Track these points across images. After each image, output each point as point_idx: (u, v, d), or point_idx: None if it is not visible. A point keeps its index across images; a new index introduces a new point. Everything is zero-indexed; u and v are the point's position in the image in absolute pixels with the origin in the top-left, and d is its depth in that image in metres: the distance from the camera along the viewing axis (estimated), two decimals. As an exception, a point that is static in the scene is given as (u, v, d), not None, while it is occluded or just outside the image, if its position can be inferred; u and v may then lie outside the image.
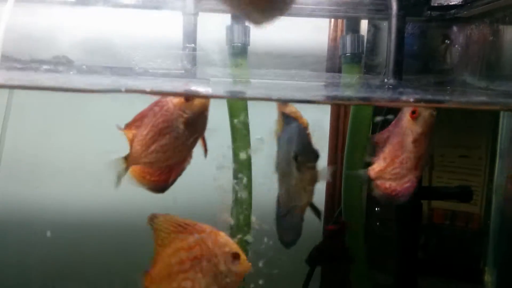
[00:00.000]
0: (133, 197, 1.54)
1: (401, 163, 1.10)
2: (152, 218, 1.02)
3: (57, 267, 1.65)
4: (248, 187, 1.35)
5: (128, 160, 1.05)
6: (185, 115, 1.03)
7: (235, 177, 1.35)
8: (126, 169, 1.05)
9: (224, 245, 0.99)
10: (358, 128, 1.30)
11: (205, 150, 1.09)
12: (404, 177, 1.10)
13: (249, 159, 1.34)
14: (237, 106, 1.33)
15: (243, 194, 1.33)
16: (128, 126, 1.06)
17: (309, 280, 1.51)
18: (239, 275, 1.00)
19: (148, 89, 0.98)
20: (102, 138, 1.42)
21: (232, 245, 1.00)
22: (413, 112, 1.07)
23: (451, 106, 1.04)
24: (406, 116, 1.09)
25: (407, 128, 1.09)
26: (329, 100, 1.15)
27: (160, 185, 1.09)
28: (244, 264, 1.00)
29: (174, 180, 1.09)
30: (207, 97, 1.02)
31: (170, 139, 1.04)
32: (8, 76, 1.06)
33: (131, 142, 1.05)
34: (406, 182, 1.09)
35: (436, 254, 1.63)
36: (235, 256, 0.99)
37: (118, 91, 0.93)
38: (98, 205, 1.62)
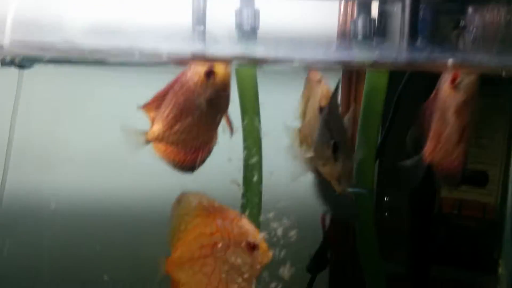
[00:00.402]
0: (146, 184, 1.53)
1: (446, 139, 1.03)
2: (181, 199, 1.00)
3: (67, 255, 1.63)
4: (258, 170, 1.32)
5: (149, 136, 1.03)
6: (207, 94, 1.01)
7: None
8: (146, 143, 1.03)
9: (244, 234, 0.98)
10: (372, 105, 1.27)
11: (231, 129, 1.07)
12: (451, 154, 1.03)
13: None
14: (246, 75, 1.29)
15: (254, 180, 1.31)
16: (147, 105, 1.04)
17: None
18: (258, 266, 0.98)
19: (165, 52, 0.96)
20: (115, 123, 1.41)
21: (253, 234, 0.99)
22: (453, 80, 0.99)
23: (484, 70, 0.98)
24: (445, 85, 1.02)
25: (448, 98, 1.01)
26: (359, 64, 1.10)
27: (188, 166, 1.07)
28: (264, 254, 0.98)
29: (203, 161, 1.07)
30: (226, 61, 0.99)
31: (193, 119, 1.03)
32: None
33: (153, 120, 1.03)
34: (454, 159, 1.03)
35: (448, 244, 1.60)
36: (254, 246, 0.98)
37: (132, 54, 0.91)
38: (111, 192, 1.61)
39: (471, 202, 1.62)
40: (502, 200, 1.56)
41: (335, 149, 1.03)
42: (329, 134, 1.05)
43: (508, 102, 1.46)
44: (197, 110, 1.03)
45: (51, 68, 1.30)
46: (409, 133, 1.10)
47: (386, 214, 1.63)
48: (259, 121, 1.29)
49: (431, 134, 1.06)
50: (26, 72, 1.36)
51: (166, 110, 1.03)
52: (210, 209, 0.99)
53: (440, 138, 1.05)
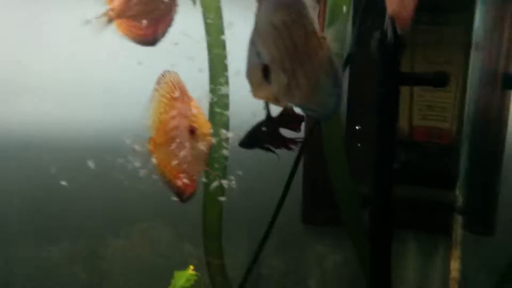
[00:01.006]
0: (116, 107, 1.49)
1: None
2: (160, 80, 1.02)
3: (36, 187, 1.58)
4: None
5: (111, 13, 1.01)
6: None
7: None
8: (109, 22, 1.01)
9: (190, 118, 1.02)
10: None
11: None
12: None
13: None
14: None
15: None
16: None
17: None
18: (199, 150, 1.02)
19: None
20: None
21: (198, 119, 1.02)
22: None
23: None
24: None
25: None
26: None
27: (149, 39, 1.05)
28: (204, 138, 1.02)
29: (164, 32, 1.05)
30: None
31: None
32: None
33: None
34: (406, 4, 1.02)
35: (412, 166, 1.68)
36: (194, 130, 1.01)
37: None
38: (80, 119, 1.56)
39: (431, 128, 1.71)
40: (458, 126, 1.65)
41: (266, 72, 0.93)
42: (257, 57, 0.93)
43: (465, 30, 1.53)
44: None
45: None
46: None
47: (358, 145, 1.68)
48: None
49: None
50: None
51: None
52: (181, 91, 1.02)
53: None
